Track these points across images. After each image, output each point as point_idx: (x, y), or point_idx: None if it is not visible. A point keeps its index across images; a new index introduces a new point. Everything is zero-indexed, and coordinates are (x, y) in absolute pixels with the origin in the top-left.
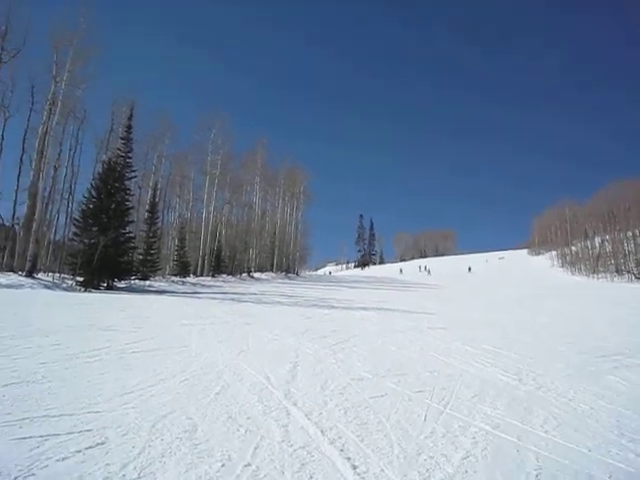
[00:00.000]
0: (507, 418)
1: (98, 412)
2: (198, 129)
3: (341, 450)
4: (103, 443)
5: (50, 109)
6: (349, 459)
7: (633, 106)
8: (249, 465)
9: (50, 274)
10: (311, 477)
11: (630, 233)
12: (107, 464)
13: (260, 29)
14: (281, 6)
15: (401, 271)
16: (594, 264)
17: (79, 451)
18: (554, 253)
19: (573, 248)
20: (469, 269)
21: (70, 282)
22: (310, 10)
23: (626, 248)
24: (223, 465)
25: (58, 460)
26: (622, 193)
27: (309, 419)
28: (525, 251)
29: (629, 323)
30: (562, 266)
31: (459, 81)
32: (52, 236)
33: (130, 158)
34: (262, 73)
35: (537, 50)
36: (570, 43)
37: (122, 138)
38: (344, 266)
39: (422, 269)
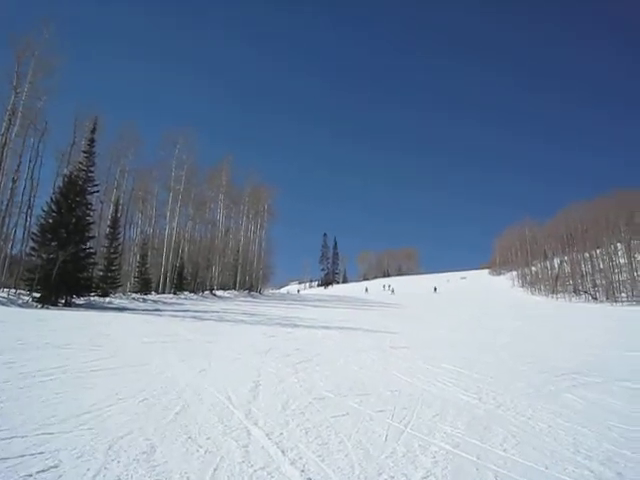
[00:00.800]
0: (467, 437)
1: (52, 433)
2: (162, 145)
3: (302, 471)
4: (56, 466)
5: (10, 120)
6: None
7: (596, 124)
8: None
9: (5, 290)
10: None
11: (587, 254)
12: None
13: (223, 45)
14: (245, 21)
15: (367, 290)
16: (553, 284)
17: (30, 475)
18: (515, 273)
19: (533, 268)
20: (435, 289)
21: (27, 298)
22: (277, 24)
23: (583, 269)
24: None
25: None
26: (580, 214)
27: (270, 439)
28: (487, 271)
29: (587, 343)
30: (522, 286)
31: (421, 98)
32: (8, 250)
33: (92, 172)
34: (226, 90)
35: (499, 66)
36: (533, 60)
37: (84, 152)
38: (307, 285)
39: (386, 288)
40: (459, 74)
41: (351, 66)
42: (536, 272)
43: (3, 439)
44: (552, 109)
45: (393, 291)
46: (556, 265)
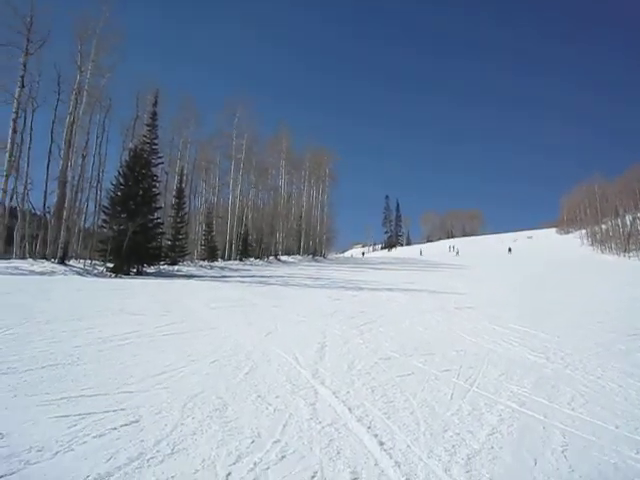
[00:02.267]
0: (534, 396)
1: (131, 392)
2: (222, 114)
3: (368, 427)
4: (137, 421)
5: (76, 99)
6: (376, 436)
7: None
8: (278, 441)
9: (81, 261)
10: (339, 452)
11: None
12: (142, 440)
13: (284, 5)
14: None
15: (421, 253)
16: (625, 242)
17: (115, 428)
18: (583, 232)
19: (603, 226)
20: (509, 250)
21: (101, 268)
22: None
23: None
24: (253, 441)
25: (95, 437)
26: None
27: (337, 397)
28: (553, 230)
29: None
30: (592, 245)
31: (485, 52)
32: (82, 223)
33: (156, 145)
34: (286, 49)
35: (566, 19)
36: (605, 16)
37: (147, 125)
38: (371, 248)
39: (451, 249)
40: (521, 26)
41: (407, 21)
42: (606, 230)
43: (89, 396)
44: (620, 62)
45: (458, 252)
46: (628, 222)
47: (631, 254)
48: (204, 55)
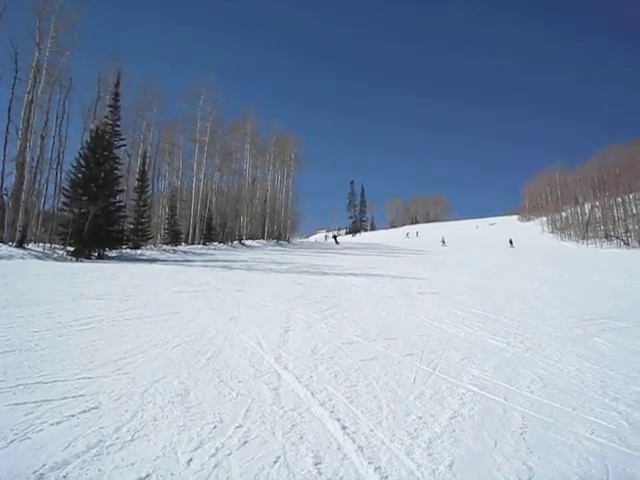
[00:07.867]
0: (495, 380)
1: (91, 378)
2: (186, 96)
3: (331, 411)
4: (96, 407)
5: (35, 77)
6: (339, 420)
7: (631, 67)
8: (241, 426)
9: (40, 244)
10: (301, 437)
11: (620, 199)
12: (101, 427)
13: None
14: None
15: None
16: (584, 230)
17: (73, 415)
18: (544, 219)
19: (563, 214)
20: (510, 242)
21: (61, 252)
22: None
23: (615, 214)
24: (215, 427)
25: (52, 424)
26: (613, 158)
27: (300, 382)
28: (515, 217)
29: (616, 288)
30: (552, 232)
31: (447, 42)
32: (41, 206)
33: (118, 126)
34: (249, 38)
35: (528, 8)
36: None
37: (109, 106)
38: (335, 232)
39: (409, 235)
40: (492, 19)
41: (371, 12)
42: (566, 218)
43: (46, 383)
44: (586, 50)
45: (444, 242)
46: (587, 210)
47: (589, 242)
48: (162, 42)
